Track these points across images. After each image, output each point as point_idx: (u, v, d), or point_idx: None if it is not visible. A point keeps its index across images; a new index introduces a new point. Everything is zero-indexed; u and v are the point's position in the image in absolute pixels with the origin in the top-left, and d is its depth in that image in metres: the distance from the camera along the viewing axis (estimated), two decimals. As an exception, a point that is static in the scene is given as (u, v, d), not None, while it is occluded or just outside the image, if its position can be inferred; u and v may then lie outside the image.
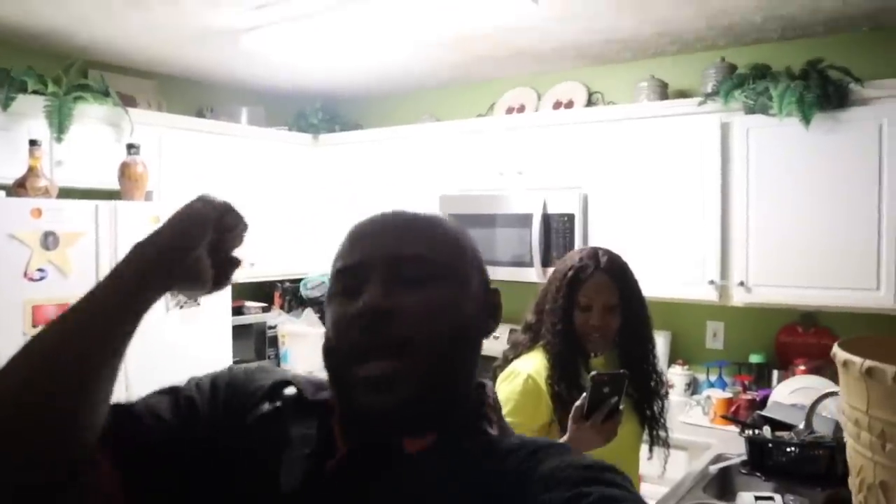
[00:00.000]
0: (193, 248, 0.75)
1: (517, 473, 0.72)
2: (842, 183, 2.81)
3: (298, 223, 4.32)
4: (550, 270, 2.01)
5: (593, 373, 1.61)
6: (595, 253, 1.90)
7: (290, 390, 0.86)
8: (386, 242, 0.80)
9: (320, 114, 4.55)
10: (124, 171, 3.17)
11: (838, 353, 0.96)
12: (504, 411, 0.92)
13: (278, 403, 0.85)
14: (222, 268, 0.80)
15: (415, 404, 0.74)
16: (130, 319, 0.73)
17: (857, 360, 0.91)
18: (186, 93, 4.19)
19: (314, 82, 4.32)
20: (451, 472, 0.74)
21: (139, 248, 0.74)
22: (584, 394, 1.61)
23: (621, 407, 1.63)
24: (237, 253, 0.82)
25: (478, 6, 2.74)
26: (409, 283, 0.77)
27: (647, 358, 1.96)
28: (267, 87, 4.44)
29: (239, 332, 3.56)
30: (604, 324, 1.85)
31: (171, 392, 0.85)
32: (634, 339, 1.93)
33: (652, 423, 1.96)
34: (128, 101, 3.61)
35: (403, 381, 0.74)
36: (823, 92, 2.76)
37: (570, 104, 3.83)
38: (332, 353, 0.79)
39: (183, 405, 0.83)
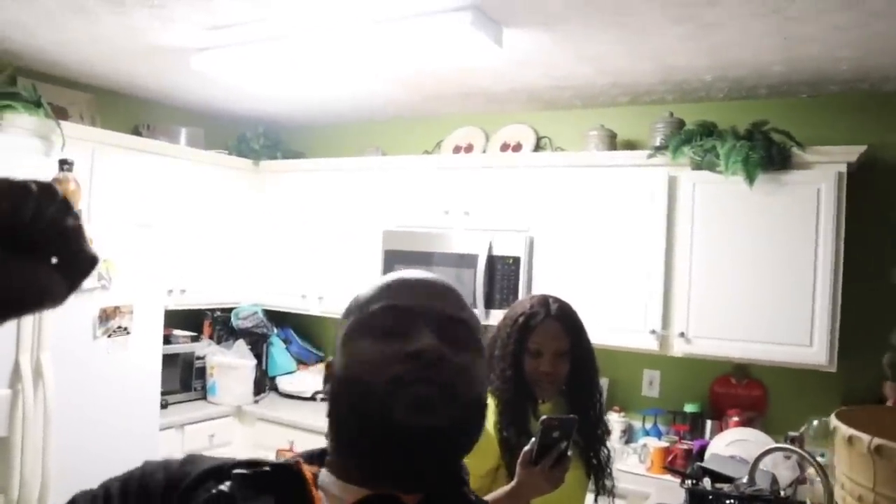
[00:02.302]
0: None
1: None
2: (781, 242, 2.91)
3: (234, 250, 4.18)
4: (494, 313, 2.01)
5: (543, 417, 1.59)
6: (546, 300, 1.92)
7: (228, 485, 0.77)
8: (437, 300, 0.82)
9: (262, 139, 4.43)
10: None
11: (840, 427, 0.96)
12: None
13: (222, 487, 0.75)
14: (55, 245, 0.57)
15: (451, 432, 0.74)
16: None
17: (864, 437, 0.91)
18: (123, 108, 4.01)
19: (258, 107, 4.22)
20: None
21: None
22: (534, 438, 1.59)
23: (569, 453, 1.61)
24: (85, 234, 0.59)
25: (442, 47, 2.73)
26: (454, 343, 0.78)
27: (595, 405, 1.96)
28: (208, 108, 4.31)
29: (166, 361, 3.36)
30: (554, 370, 1.85)
31: None
32: (582, 386, 1.94)
33: (598, 471, 1.96)
34: (59, 112, 3.42)
35: (445, 407, 0.74)
36: (767, 153, 2.88)
37: (518, 147, 3.86)
38: (357, 380, 0.76)
39: None
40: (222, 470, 0.77)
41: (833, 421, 0.99)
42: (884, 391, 2.95)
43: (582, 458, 1.91)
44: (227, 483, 0.75)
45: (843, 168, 2.82)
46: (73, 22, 2.77)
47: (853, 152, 2.81)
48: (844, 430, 0.94)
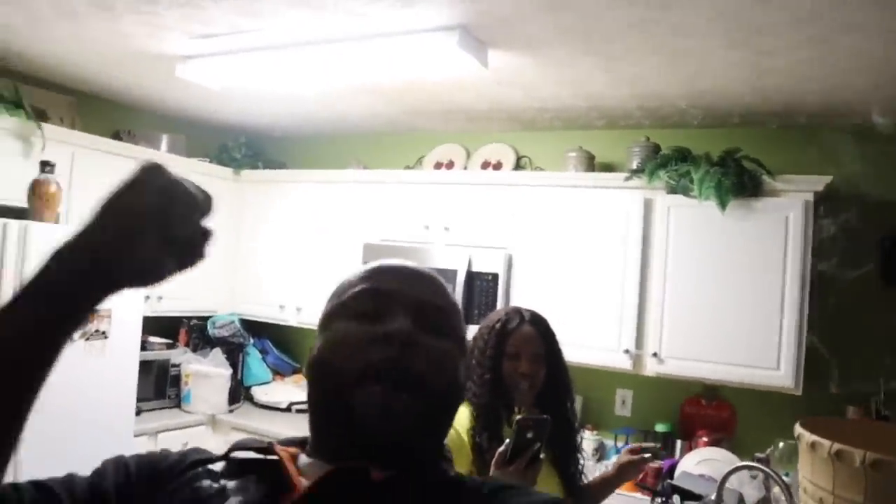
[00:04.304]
0: (132, 250, 0.64)
1: None
2: (751, 266, 2.99)
3: (212, 259, 4.14)
4: (472, 328, 2.06)
5: (518, 417, 1.63)
6: (518, 309, 2.01)
7: (218, 466, 0.82)
8: (417, 286, 0.84)
9: (244, 149, 4.45)
10: (36, 189, 2.97)
11: (804, 434, 1.01)
12: None
13: (210, 466, 0.81)
14: (190, 245, 0.68)
15: (412, 432, 0.76)
16: (60, 336, 0.65)
17: (825, 442, 0.96)
18: (103, 113, 4.00)
19: (241, 116, 4.24)
20: (418, 501, 0.75)
21: (63, 255, 0.64)
22: (508, 440, 1.63)
23: (542, 455, 1.65)
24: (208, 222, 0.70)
25: (428, 65, 2.78)
26: (430, 329, 0.80)
27: (569, 414, 2.01)
28: (191, 115, 4.32)
29: (140, 368, 3.34)
30: (532, 371, 1.90)
31: (93, 473, 0.80)
32: (557, 393, 1.98)
33: (571, 480, 1.99)
34: (38, 114, 3.41)
35: (408, 415, 0.75)
36: (739, 180, 2.97)
37: (498, 165, 3.93)
38: (329, 366, 0.79)
39: (96, 484, 0.78)
40: (218, 457, 0.82)
41: (797, 428, 1.04)
42: (848, 417, 3.03)
43: (555, 467, 1.95)
44: (219, 464, 0.80)
45: (811, 197, 2.92)
46: (61, 25, 2.78)
47: (820, 182, 2.91)
48: (808, 436, 0.99)
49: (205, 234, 0.69)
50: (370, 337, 0.77)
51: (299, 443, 0.85)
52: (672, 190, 3.14)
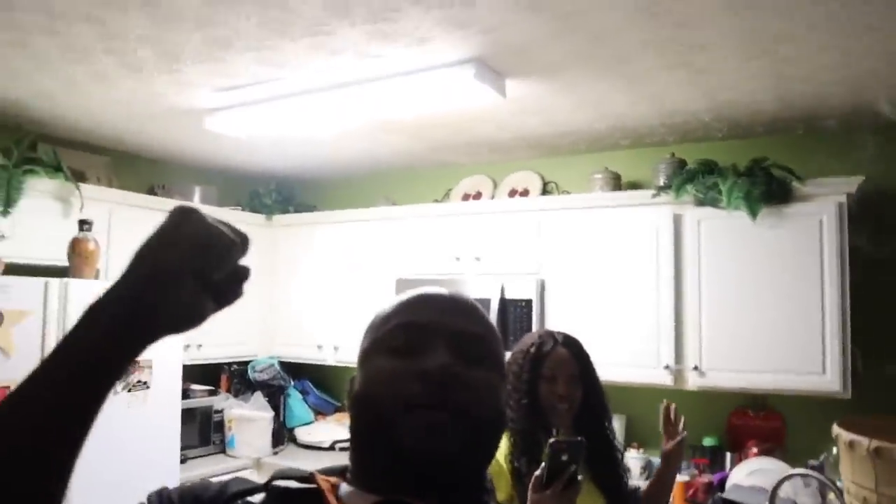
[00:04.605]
0: (170, 298, 0.65)
1: None
2: (788, 272, 2.96)
3: (249, 304, 4.23)
4: (508, 355, 2.07)
5: (551, 440, 1.63)
6: (551, 332, 2.02)
7: (258, 498, 0.82)
8: (453, 315, 0.84)
9: (274, 194, 4.55)
10: (75, 247, 3.08)
11: (842, 433, 1.00)
12: None
13: (251, 498, 0.81)
14: (226, 286, 0.69)
15: (463, 454, 0.76)
16: (100, 388, 0.63)
17: (864, 440, 0.95)
18: (138, 170, 4.14)
19: (270, 162, 4.34)
20: None
21: (101, 307, 0.64)
22: (543, 463, 1.62)
23: (580, 477, 1.64)
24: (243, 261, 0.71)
25: (447, 99, 2.82)
26: (469, 359, 0.80)
27: (607, 434, 2.00)
28: (221, 166, 4.44)
29: (184, 416, 3.40)
30: (569, 392, 1.90)
31: None
32: (594, 413, 1.98)
33: (619, 499, 1.97)
34: (77, 175, 3.53)
35: (455, 435, 0.76)
36: (768, 188, 2.95)
37: (525, 192, 3.95)
38: (371, 400, 0.80)
39: None
40: (258, 487, 0.83)
41: (835, 429, 1.03)
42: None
43: (597, 484, 1.93)
44: (258, 496, 0.81)
45: (843, 198, 2.88)
46: (94, 88, 2.90)
47: (852, 183, 2.88)
48: (845, 435, 0.98)
49: (241, 274, 0.70)
50: (409, 373, 0.78)
51: (340, 472, 0.86)
52: (700, 202, 3.13)
